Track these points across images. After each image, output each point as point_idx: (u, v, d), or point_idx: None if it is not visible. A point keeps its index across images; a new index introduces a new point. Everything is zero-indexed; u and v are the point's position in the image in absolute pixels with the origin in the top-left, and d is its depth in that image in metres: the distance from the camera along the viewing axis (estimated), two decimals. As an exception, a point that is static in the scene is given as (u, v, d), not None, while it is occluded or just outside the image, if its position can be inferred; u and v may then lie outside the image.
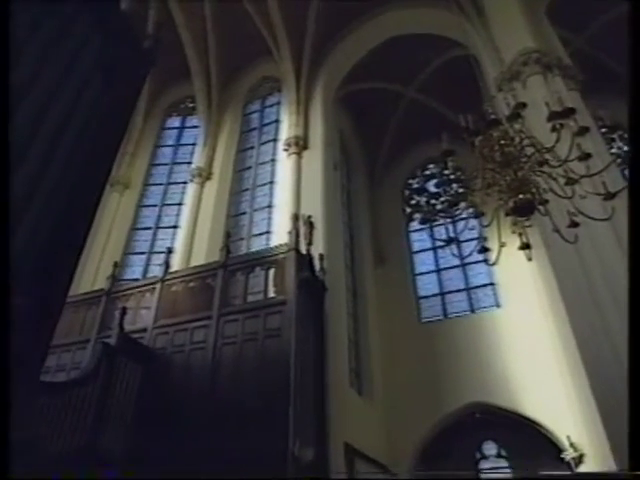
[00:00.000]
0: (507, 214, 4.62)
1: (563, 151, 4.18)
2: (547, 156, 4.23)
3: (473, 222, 5.99)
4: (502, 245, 4.75)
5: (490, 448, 12.06)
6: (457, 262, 12.58)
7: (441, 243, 12.65)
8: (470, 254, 6.72)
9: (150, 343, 7.01)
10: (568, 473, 8.95)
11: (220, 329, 6.67)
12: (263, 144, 12.02)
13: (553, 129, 4.06)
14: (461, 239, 10.19)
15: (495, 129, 4.39)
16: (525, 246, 4.79)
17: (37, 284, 3.07)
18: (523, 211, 4.29)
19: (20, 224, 2.99)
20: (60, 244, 3.26)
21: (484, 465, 11.93)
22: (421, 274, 13.04)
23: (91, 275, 10.13)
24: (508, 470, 11.41)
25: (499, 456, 11.89)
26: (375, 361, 10.83)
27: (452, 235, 5.52)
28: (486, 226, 5.05)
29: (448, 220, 6.47)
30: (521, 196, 4.26)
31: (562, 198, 4.33)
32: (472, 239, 9.44)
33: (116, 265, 9.13)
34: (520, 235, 4.79)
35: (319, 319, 7.28)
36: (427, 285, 12.79)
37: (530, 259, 4.89)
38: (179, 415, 6.18)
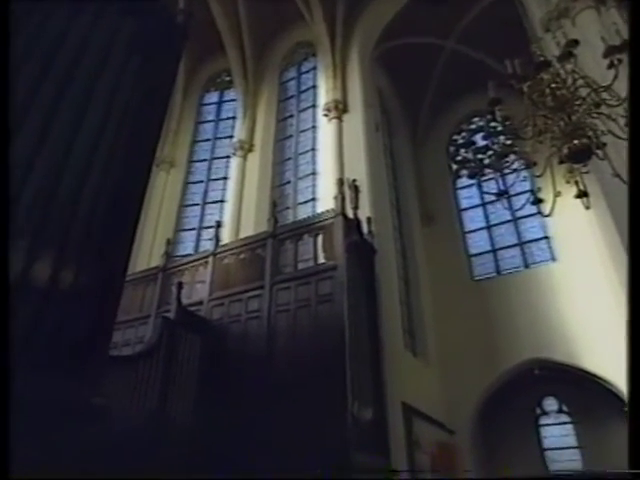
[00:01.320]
0: (561, 162, 4.39)
1: (622, 89, 3.89)
2: (604, 95, 3.95)
3: (524, 174, 5.76)
4: (557, 195, 4.53)
5: (551, 404, 11.92)
6: (508, 217, 12.22)
7: (491, 198, 12.33)
8: (522, 207, 6.48)
9: (207, 315, 7.24)
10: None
11: (273, 297, 6.78)
12: (302, 111, 11.89)
13: (610, 65, 3.77)
14: (512, 192, 9.85)
15: (545, 72, 4.13)
16: (582, 194, 4.54)
17: (98, 264, 3.20)
18: (579, 157, 4.06)
19: (78, 208, 3.11)
20: (115, 225, 3.37)
21: (545, 421, 11.83)
22: (471, 232, 12.74)
23: (146, 254, 10.51)
24: (570, 425, 11.27)
25: (560, 411, 11.74)
26: (428, 322, 10.78)
27: (502, 188, 5.29)
28: (539, 176, 4.80)
29: (497, 174, 6.23)
30: (576, 141, 4.02)
31: (623, 140, 4.05)
32: (524, 192, 9.13)
33: (169, 242, 9.41)
34: (576, 183, 4.56)
35: (370, 282, 7.26)
36: (478, 242, 12.49)
37: (588, 207, 4.63)
38: (239, 382, 6.39)
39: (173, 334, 6.29)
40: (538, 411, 12.06)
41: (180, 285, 7.11)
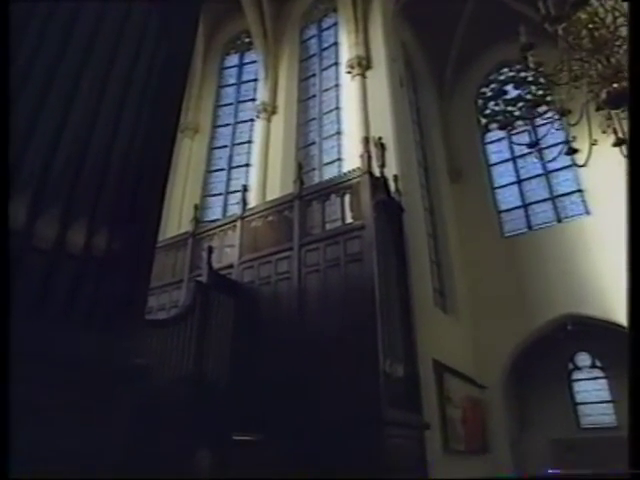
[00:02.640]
0: (598, 108, 4.18)
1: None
2: (647, 33, 3.69)
3: (557, 125, 5.51)
4: (593, 143, 4.33)
5: (584, 359, 11.85)
6: (539, 171, 11.87)
7: (521, 152, 11.95)
8: (555, 159, 6.25)
9: (238, 278, 7.34)
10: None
11: (302, 258, 6.81)
12: (325, 69, 11.59)
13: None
14: (544, 145, 9.53)
15: (582, 11, 3.89)
16: (620, 142, 4.34)
17: (130, 229, 3.24)
18: (618, 101, 3.85)
19: (107, 174, 3.13)
20: (144, 190, 3.39)
21: (577, 376, 11.79)
22: (500, 187, 12.43)
23: (175, 220, 10.65)
24: (603, 380, 11.20)
25: (593, 366, 11.67)
26: (458, 279, 10.71)
27: (534, 140, 5.09)
28: (574, 125, 4.57)
29: (529, 125, 5.99)
30: (616, 85, 3.81)
31: (666, 81, 3.80)
32: (556, 144, 8.78)
33: (197, 208, 9.50)
34: (614, 131, 4.34)
35: (399, 241, 7.21)
36: (508, 198, 12.20)
37: (627, 156, 4.42)
38: (271, 343, 6.54)
39: (206, 297, 6.40)
40: (570, 366, 12.01)
41: (210, 249, 7.21)
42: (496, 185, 12.46)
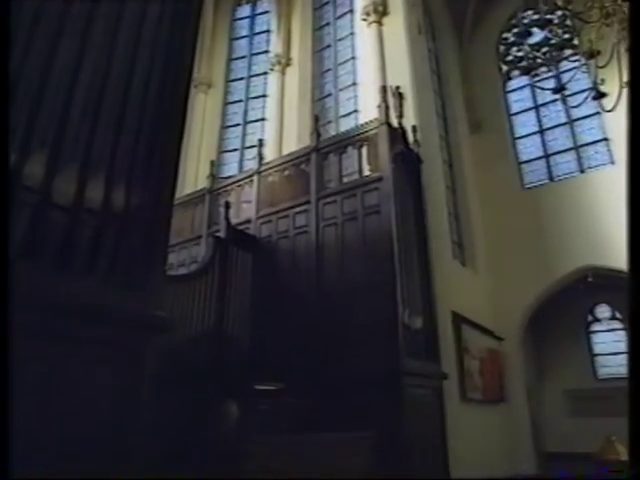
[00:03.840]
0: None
1: None
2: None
3: (584, 68, 5.26)
4: (624, 86, 4.11)
5: (603, 311, 11.82)
6: (563, 119, 11.45)
7: (544, 100, 11.50)
8: (580, 105, 5.99)
9: (256, 233, 7.37)
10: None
11: (320, 212, 6.78)
12: (339, 18, 11.15)
13: None
14: (569, 92, 9.14)
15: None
16: (652, 84, 4.11)
17: (147, 183, 3.22)
18: (653, 39, 3.62)
19: (122, 129, 3.10)
20: (160, 144, 3.36)
21: (596, 328, 11.78)
22: (522, 137, 12.05)
23: (192, 177, 10.64)
24: (623, 332, 11.18)
25: (613, 318, 11.63)
26: (477, 232, 10.60)
27: (559, 85, 4.86)
28: (602, 67, 4.34)
29: (553, 69, 5.71)
30: (650, 21, 3.57)
31: None
32: (581, 91, 8.43)
33: (213, 164, 9.46)
34: (647, 72, 4.11)
35: (417, 193, 7.10)
36: (529, 149, 11.84)
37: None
38: (290, 296, 6.62)
39: (225, 252, 6.47)
40: (590, 318, 11.99)
41: (227, 205, 7.22)
42: (517, 135, 12.08)
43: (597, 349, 11.62)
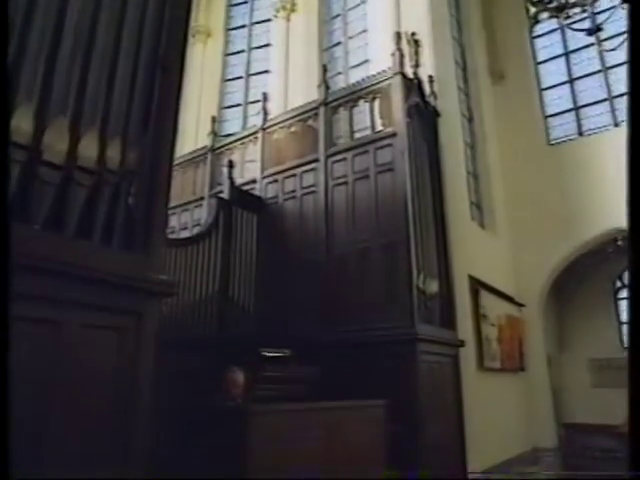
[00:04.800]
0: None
1: None
2: None
3: (623, 6, 5.08)
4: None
5: (633, 275, 11.73)
6: (596, 67, 11.08)
7: (576, 46, 11.11)
8: (616, 48, 5.81)
9: (261, 193, 7.36)
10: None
11: (329, 170, 6.74)
12: (349, -44, 10.78)
13: None
14: (604, 36, 8.84)
15: None
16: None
17: (145, 139, 3.20)
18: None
19: (114, 80, 3.05)
20: (157, 96, 3.31)
21: (625, 294, 11.76)
22: (549, 88, 11.72)
23: (192, 135, 10.57)
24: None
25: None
26: (497, 192, 10.49)
27: (595, 25, 4.70)
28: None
29: (587, 12, 5.57)
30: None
31: None
32: (618, 34, 8.14)
33: (214, 120, 9.36)
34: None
35: (433, 149, 7.00)
36: (556, 100, 11.54)
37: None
38: (297, 259, 6.67)
39: (229, 214, 6.49)
40: (618, 284, 11.96)
41: (231, 164, 7.19)
42: (544, 86, 11.76)
43: (625, 316, 11.63)
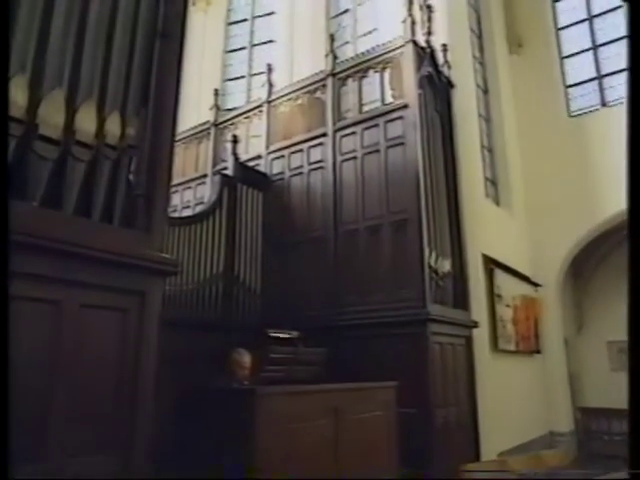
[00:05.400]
0: None
1: None
2: None
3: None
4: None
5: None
6: (620, 33, 10.80)
7: (600, 10, 10.80)
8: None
9: (267, 170, 7.34)
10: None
11: (337, 145, 6.70)
12: None
13: None
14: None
15: None
16: None
17: (144, 113, 3.19)
18: None
19: (111, 49, 3.03)
20: (157, 71, 3.30)
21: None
22: (570, 56, 11.48)
23: (193, 110, 10.48)
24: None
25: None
26: (514, 167, 10.39)
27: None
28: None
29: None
30: None
31: None
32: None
33: (217, 93, 9.28)
34: None
35: (447, 122, 6.93)
36: (578, 69, 11.30)
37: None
38: (304, 237, 6.71)
39: (233, 192, 6.47)
40: (640, 264, 11.86)
41: (235, 139, 7.15)
42: (565, 54, 11.51)
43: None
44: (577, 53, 11.37)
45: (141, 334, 2.87)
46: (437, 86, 6.90)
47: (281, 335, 4.81)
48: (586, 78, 11.11)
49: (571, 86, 11.26)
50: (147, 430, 2.80)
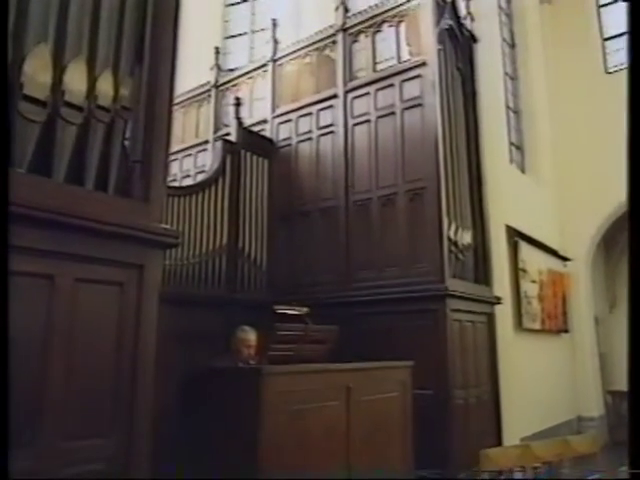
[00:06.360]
0: None
1: None
2: None
3: None
4: None
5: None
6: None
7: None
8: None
9: (273, 135, 7.31)
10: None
11: (349, 107, 6.63)
12: None
13: None
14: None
15: None
16: None
17: (140, 75, 3.17)
18: None
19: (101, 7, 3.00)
20: (152, 26, 3.27)
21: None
22: (608, 4, 11.17)
23: (192, 72, 10.37)
24: None
25: None
26: (542, 131, 10.27)
27: None
28: None
29: None
30: None
31: None
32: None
33: (217, 52, 9.20)
34: None
35: (468, 81, 6.82)
36: (619, 20, 10.99)
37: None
38: (313, 208, 6.72)
39: (237, 159, 6.49)
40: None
41: (238, 101, 7.12)
42: (602, 2, 11.23)
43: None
44: (615, 1, 11.07)
45: (140, 310, 2.89)
46: (459, 41, 6.78)
47: (289, 311, 4.85)
48: (624, 30, 10.84)
49: (609, 39, 11.02)
50: (147, 412, 2.85)
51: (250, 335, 4.67)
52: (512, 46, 10.05)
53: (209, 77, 8.75)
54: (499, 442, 6.01)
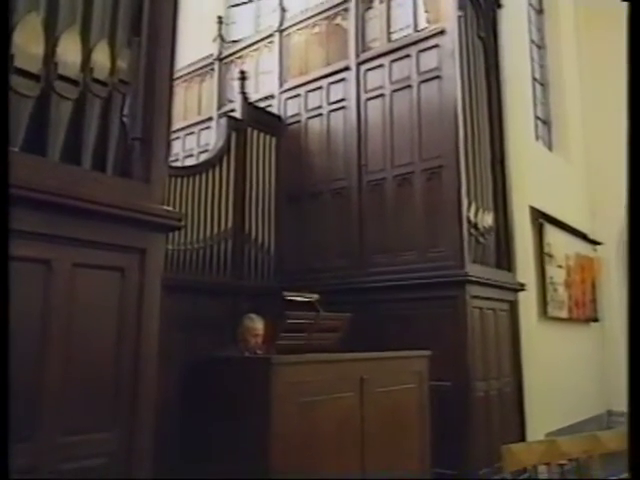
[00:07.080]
0: None
1: None
2: None
3: None
4: None
5: None
6: None
7: None
8: None
9: (280, 111, 7.29)
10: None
11: (361, 81, 6.58)
12: None
13: None
14: None
15: None
16: None
17: (138, 46, 3.16)
18: None
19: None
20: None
21: None
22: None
23: (193, 44, 10.32)
24: None
25: None
26: (572, 105, 10.14)
27: None
28: None
29: None
30: None
31: None
32: None
33: (220, 21, 9.15)
34: None
35: (491, 50, 6.74)
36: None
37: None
38: (323, 188, 6.72)
39: (242, 136, 6.49)
40: None
41: (243, 75, 7.07)
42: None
43: None
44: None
45: (142, 297, 2.92)
46: (480, 6, 6.70)
47: (299, 298, 4.85)
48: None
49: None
50: (150, 405, 2.88)
51: (257, 323, 4.70)
52: (540, 12, 9.92)
53: (212, 49, 8.70)
54: (522, 437, 6.03)
